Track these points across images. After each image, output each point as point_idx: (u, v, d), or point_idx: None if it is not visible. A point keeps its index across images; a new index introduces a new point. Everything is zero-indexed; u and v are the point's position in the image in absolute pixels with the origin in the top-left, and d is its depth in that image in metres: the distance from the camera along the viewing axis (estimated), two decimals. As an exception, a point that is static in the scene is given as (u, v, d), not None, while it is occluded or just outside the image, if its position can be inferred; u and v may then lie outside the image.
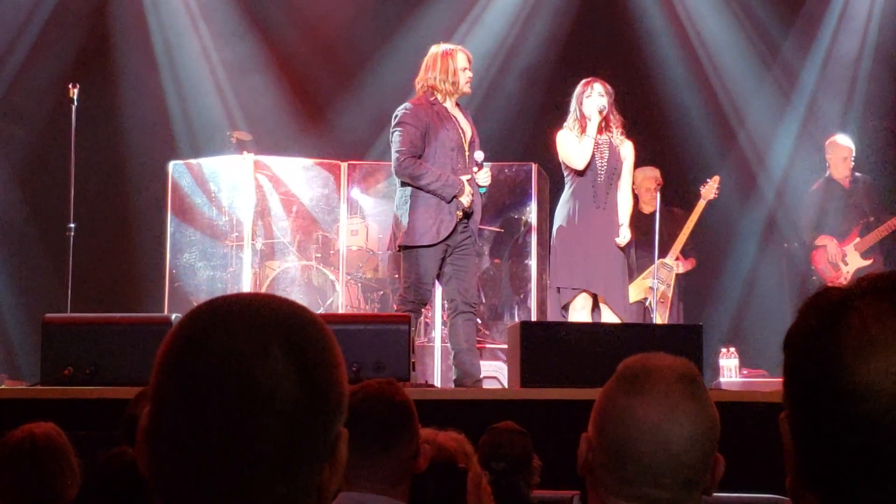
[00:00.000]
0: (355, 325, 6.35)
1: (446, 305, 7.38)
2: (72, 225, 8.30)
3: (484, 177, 7.18)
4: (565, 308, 7.50)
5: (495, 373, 8.56)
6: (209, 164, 9.75)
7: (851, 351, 1.18)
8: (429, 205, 7.01)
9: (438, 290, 8.08)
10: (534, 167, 9.47)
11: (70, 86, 8.46)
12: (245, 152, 9.56)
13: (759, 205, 10.89)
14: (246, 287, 9.21)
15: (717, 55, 10.96)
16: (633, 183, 8.57)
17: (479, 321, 9.37)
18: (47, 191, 10.03)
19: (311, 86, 11.07)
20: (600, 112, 7.48)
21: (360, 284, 9.70)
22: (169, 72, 10.89)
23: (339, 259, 9.60)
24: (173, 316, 6.51)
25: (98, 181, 10.11)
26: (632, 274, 8.76)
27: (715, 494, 1.90)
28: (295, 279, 9.66)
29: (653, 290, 8.85)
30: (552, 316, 7.67)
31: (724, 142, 10.93)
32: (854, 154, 9.42)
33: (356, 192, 9.89)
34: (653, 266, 8.84)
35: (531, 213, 9.55)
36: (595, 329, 6.81)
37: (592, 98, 7.52)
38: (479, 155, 7.18)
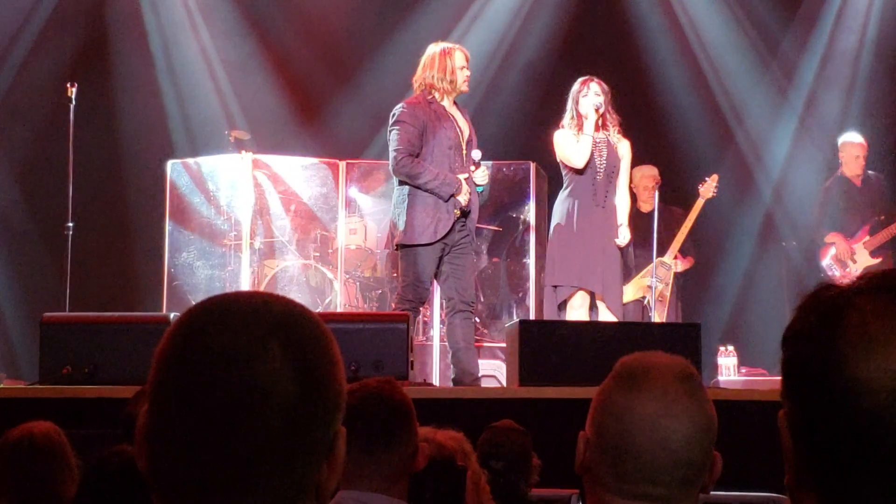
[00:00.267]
0: (354, 323, 6.35)
1: (444, 304, 7.38)
2: (70, 224, 8.30)
3: (481, 175, 7.18)
4: (562, 306, 7.49)
5: (494, 371, 8.56)
6: (207, 163, 9.75)
7: (850, 348, 1.18)
8: (426, 204, 7.01)
9: (437, 289, 8.08)
10: (532, 166, 9.47)
11: (68, 85, 8.46)
12: (243, 151, 9.56)
13: (757, 203, 10.89)
14: (244, 286, 9.21)
15: (715, 53, 10.96)
16: (632, 182, 8.57)
17: (477, 320, 9.38)
18: (45, 190, 10.03)
19: (310, 84, 11.07)
20: (597, 110, 7.48)
21: (358, 283, 9.70)
22: (167, 71, 10.89)
23: (337, 258, 9.60)
24: (171, 315, 6.51)
25: (96, 180, 10.10)
26: (630, 273, 8.76)
27: (714, 493, 1.91)
28: (293, 278, 9.66)
29: (651, 288, 8.85)
30: (547, 313, 7.67)
31: (722, 140, 10.94)
32: (866, 152, 9.41)
33: (354, 191, 9.89)
34: (651, 265, 8.85)
35: (529, 212, 9.55)
36: (593, 328, 6.81)
37: (589, 97, 7.52)
38: (476, 154, 7.18)
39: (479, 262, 9.52)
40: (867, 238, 9.28)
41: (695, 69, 10.95)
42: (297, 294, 9.16)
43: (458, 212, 7.04)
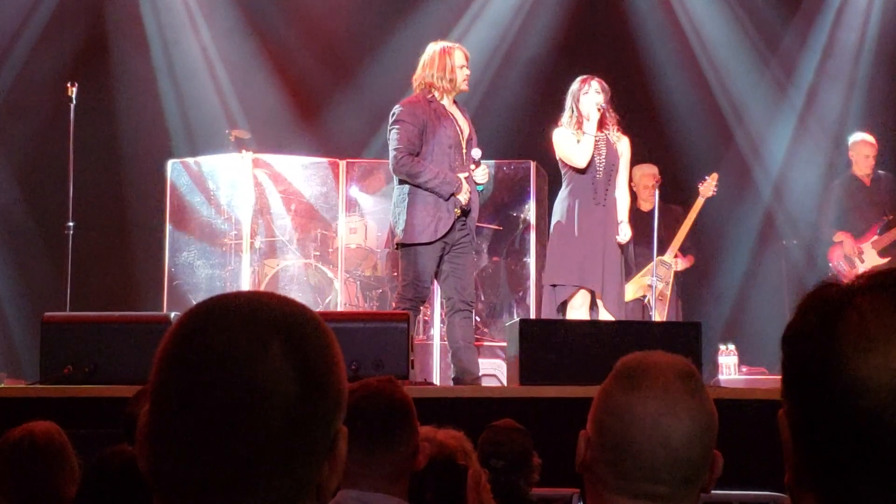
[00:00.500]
0: (354, 323, 6.35)
1: (443, 303, 7.38)
2: (71, 223, 8.31)
3: (481, 174, 7.17)
4: (563, 306, 7.48)
5: (494, 370, 8.56)
6: (208, 163, 9.75)
7: (850, 347, 1.18)
8: (427, 203, 7.01)
9: (437, 288, 8.08)
10: (532, 165, 9.47)
11: (68, 84, 8.46)
12: (244, 150, 9.56)
13: (757, 202, 10.89)
14: (245, 285, 9.21)
15: (715, 52, 10.96)
16: (632, 180, 8.57)
17: (478, 319, 9.38)
18: (46, 189, 10.03)
19: (310, 83, 11.07)
20: (598, 109, 7.48)
21: (358, 282, 9.70)
22: (167, 70, 10.89)
23: (337, 257, 9.60)
24: (172, 314, 6.51)
25: (97, 180, 10.11)
26: (630, 271, 8.76)
27: (714, 491, 1.91)
28: (294, 277, 9.66)
29: (652, 287, 8.85)
30: (546, 312, 7.67)
31: (722, 139, 10.94)
32: (877, 151, 9.41)
33: (355, 190, 9.89)
34: (651, 264, 8.85)
35: (530, 211, 9.55)
36: (594, 327, 6.81)
37: (590, 95, 7.52)
38: (476, 152, 7.18)
39: (479, 261, 9.52)
40: (876, 237, 9.27)
41: (695, 68, 10.95)
42: (297, 293, 9.16)
43: (459, 211, 7.04)
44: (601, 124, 7.53)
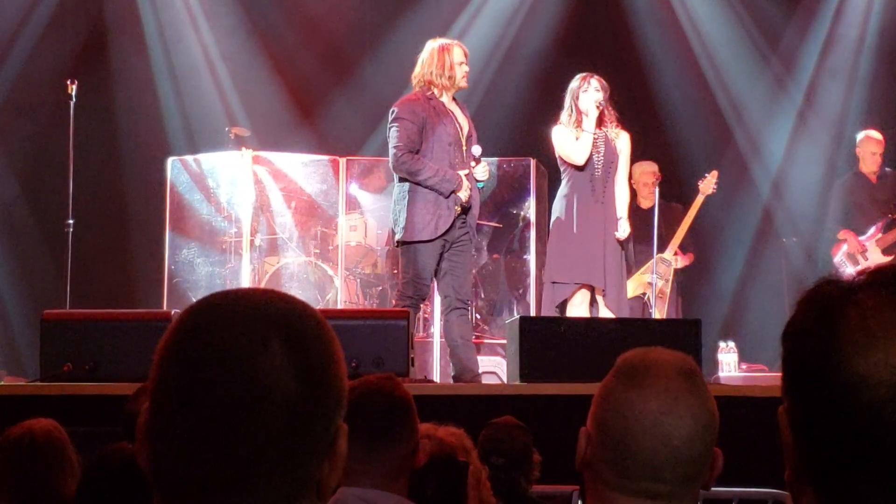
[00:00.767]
0: (354, 320, 6.36)
1: (441, 301, 7.38)
2: (70, 221, 8.30)
3: (481, 171, 7.17)
4: (562, 304, 7.47)
5: (494, 368, 8.57)
6: (208, 160, 9.75)
7: (850, 343, 1.18)
8: (427, 200, 7.01)
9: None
10: (532, 162, 9.47)
11: (68, 82, 8.46)
12: (244, 148, 9.56)
13: (757, 199, 10.89)
14: (245, 283, 9.21)
15: (715, 49, 10.96)
16: (632, 178, 8.57)
17: (478, 316, 9.38)
18: (46, 187, 10.03)
19: (310, 81, 11.06)
20: (597, 106, 7.47)
21: (358, 280, 9.70)
22: (167, 68, 10.89)
23: (337, 255, 9.60)
24: (173, 311, 6.51)
25: (97, 177, 10.11)
26: (630, 269, 8.76)
27: (714, 488, 1.91)
28: (294, 275, 9.66)
29: (651, 285, 8.85)
30: (546, 310, 7.66)
31: (722, 136, 10.93)
32: (884, 149, 9.39)
33: (355, 188, 9.88)
34: (651, 261, 8.85)
35: (529, 209, 9.55)
36: (594, 324, 6.81)
37: (589, 93, 7.51)
38: (476, 150, 7.17)
39: (479, 259, 9.53)
40: (880, 235, 9.26)
41: (694, 65, 10.94)
42: (297, 291, 9.16)
43: (459, 208, 7.04)
44: (600, 122, 7.52)
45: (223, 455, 1.23)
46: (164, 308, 9.04)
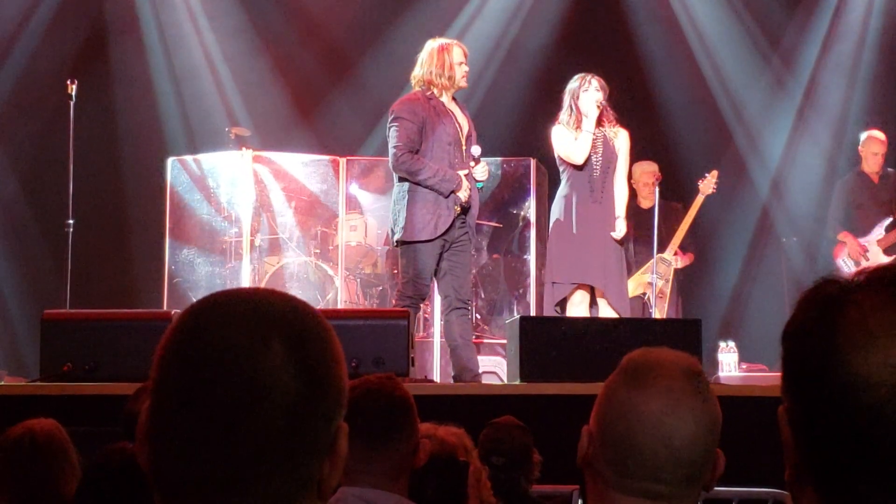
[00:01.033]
0: (354, 320, 6.36)
1: (441, 301, 7.38)
2: (71, 221, 8.30)
3: (481, 171, 7.17)
4: (561, 304, 7.47)
5: (494, 368, 8.57)
6: (208, 160, 9.75)
7: (849, 343, 1.18)
8: (427, 200, 7.01)
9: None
10: (532, 162, 9.47)
11: (68, 82, 8.46)
12: (244, 148, 9.56)
13: (757, 199, 10.89)
14: (245, 282, 9.21)
15: (714, 49, 10.95)
16: (632, 178, 8.57)
17: (478, 316, 9.38)
18: (46, 187, 10.03)
19: (310, 81, 11.07)
20: (598, 106, 7.47)
21: (359, 280, 9.70)
22: (167, 68, 10.89)
23: (338, 254, 9.60)
24: (173, 311, 6.51)
25: (97, 177, 10.11)
26: (630, 269, 8.76)
27: (715, 488, 1.90)
28: (294, 274, 9.66)
29: (651, 285, 8.85)
30: (546, 310, 7.67)
31: (722, 136, 10.93)
32: (886, 149, 9.39)
33: (355, 188, 9.88)
34: (651, 261, 8.85)
35: (530, 209, 9.55)
36: (594, 324, 6.81)
37: (590, 93, 7.50)
38: (476, 149, 7.17)
39: (479, 259, 9.53)
40: (882, 235, 9.25)
41: (694, 65, 10.94)
42: (297, 291, 9.16)
43: (459, 208, 7.04)
44: (599, 122, 7.52)
45: (223, 455, 1.23)
46: (165, 308, 9.04)
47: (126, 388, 4.31)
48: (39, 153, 10.35)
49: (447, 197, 7.01)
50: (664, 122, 10.80)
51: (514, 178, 9.78)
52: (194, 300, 1.33)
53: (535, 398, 5.90)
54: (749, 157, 10.91)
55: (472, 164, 7.14)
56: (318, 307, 7.16)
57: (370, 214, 9.87)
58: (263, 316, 1.27)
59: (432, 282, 7.27)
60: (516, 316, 7.28)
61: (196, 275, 9.53)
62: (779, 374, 1.26)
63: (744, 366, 9.21)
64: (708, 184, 9.17)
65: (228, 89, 10.93)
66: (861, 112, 10.43)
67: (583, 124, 7.48)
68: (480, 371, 7.30)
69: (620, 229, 7.52)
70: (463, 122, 7.22)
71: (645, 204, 9.28)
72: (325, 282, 9.62)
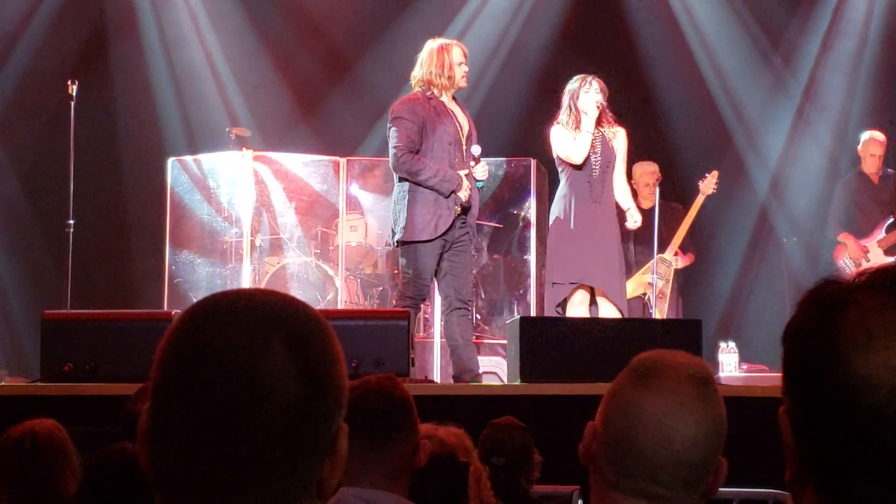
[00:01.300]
0: (355, 320, 6.36)
1: (441, 301, 7.38)
2: (71, 221, 8.30)
3: (481, 171, 7.17)
4: (562, 305, 7.47)
5: (495, 368, 8.57)
6: (208, 161, 9.75)
7: (850, 344, 1.18)
8: (427, 200, 7.01)
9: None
10: (533, 162, 9.46)
11: (69, 82, 8.46)
12: (244, 148, 9.56)
13: (757, 199, 10.89)
14: (245, 283, 9.21)
15: (715, 49, 10.95)
16: (632, 178, 8.57)
17: (478, 316, 9.38)
18: (47, 187, 10.04)
19: (310, 81, 11.07)
20: (598, 106, 7.47)
21: (359, 280, 9.70)
22: (167, 68, 10.89)
23: (338, 255, 9.60)
24: (174, 312, 6.51)
25: (97, 178, 10.11)
26: (630, 269, 8.76)
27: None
28: (294, 275, 9.66)
29: (651, 285, 8.85)
30: (548, 311, 7.67)
31: (722, 136, 10.93)
32: (885, 150, 9.38)
33: (355, 188, 9.88)
34: (651, 261, 8.85)
35: (530, 209, 9.55)
36: (594, 324, 6.81)
37: (591, 94, 7.50)
38: (476, 149, 7.17)
39: (479, 259, 9.53)
40: (882, 236, 9.25)
41: (694, 65, 10.94)
42: (297, 291, 9.16)
43: (459, 208, 7.04)
44: (598, 122, 7.52)
45: (223, 455, 1.23)
46: (165, 308, 9.05)
47: (126, 388, 4.31)
48: (40, 153, 10.35)
49: (447, 197, 7.00)
50: (664, 122, 10.79)
51: (514, 179, 9.78)
52: (195, 301, 1.33)
53: (536, 398, 5.90)
54: (749, 158, 10.91)
55: (473, 163, 7.14)
56: (319, 307, 7.16)
57: (370, 215, 9.87)
58: (263, 317, 1.27)
59: (432, 282, 7.27)
60: (516, 316, 7.28)
61: (196, 275, 9.52)
62: (779, 374, 1.26)
63: (744, 366, 9.21)
64: (708, 184, 9.17)
65: (229, 89, 10.94)
66: (862, 111, 10.42)
67: (582, 124, 7.47)
68: (480, 371, 7.30)
69: (636, 219, 7.52)
70: (463, 121, 7.22)
71: (645, 204, 9.28)
72: (326, 282, 9.62)
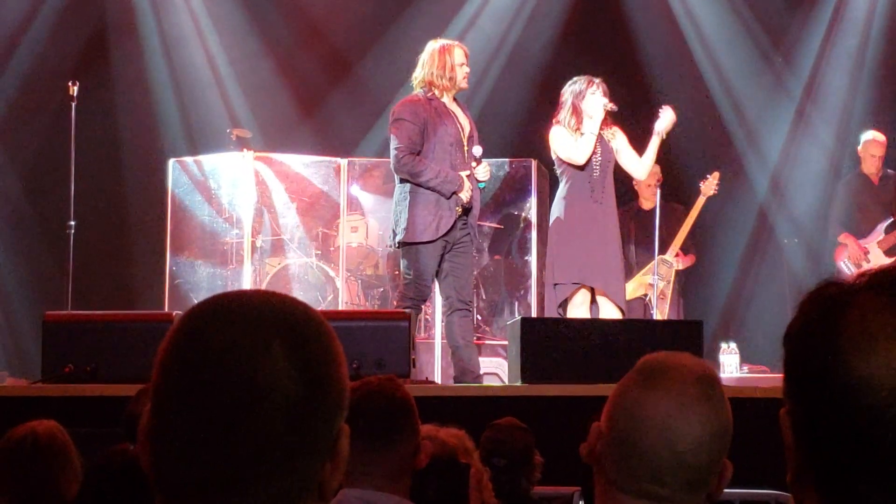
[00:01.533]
0: (356, 321, 6.36)
1: (442, 302, 7.38)
2: (72, 222, 8.30)
3: (482, 172, 7.17)
4: (563, 305, 7.47)
5: (495, 369, 8.56)
6: (209, 162, 9.75)
7: (851, 345, 1.18)
8: (428, 201, 7.01)
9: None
10: (533, 163, 9.46)
11: (70, 83, 8.46)
12: (245, 149, 9.56)
13: (758, 200, 10.88)
14: (246, 284, 9.21)
15: (716, 49, 10.94)
16: (633, 179, 8.56)
17: (479, 317, 9.38)
18: (48, 188, 10.04)
19: (311, 82, 11.07)
20: (605, 110, 7.45)
21: (360, 281, 9.70)
22: (168, 69, 10.90)
23: (339, 256, 9.60)
24: (174, 313, 6.51)
25: (98, 179, 10.11)
26: (631, 270, 8.76)
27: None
28: (295, 276, 9.66)
29: (652, 286, 8.85)
30: (548, 312, 7.66)
31: (723, 137, 10.92)
32: (885, 151, 9.38)
33: (356, 189, 9.88)
34: (652, 262, 8.84)
35: (531, 210, 9.54)
36: (595, 325, 6.81)
37: (598, 96, 7.48)
38: (477, 150, 7.17)
39: (480, 260, 9.52)
40: (882, 236, 9.24)
41: (695, 66, 10.93)
42: (298, 292, 9.16)
43: (460, 209, 7.04)
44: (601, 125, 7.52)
45: (224, 456, 1.23)
46: (166, 309, 9.05)
47: (127, 389, 4.31)
48: (41, 154, 10.36)
49: (449, 198, 7.00)
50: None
51: (515, 180, 9.78)
52: (195, 302, 1.34)
53: (537, 399, 5.90)
54: (750, 158, 10.90)
55: (474, 164, 7.14)
56: (319, 308, 7.17)
57: (371, 216, 9.87)
58: (264, 318, 1.27)
59: (433, 283, 7.27)
60: (517, 317, 7.28)
61: (197, 276, 9.52)
62: (780, 375, 1.26)
63: (745, 367, 9.21)
64: (709, 185, 9.16)
65: (229, 90, 10.94)
66: (864, 111, 10.42)
67: (585, 126, 7.46)
68: (481, 372, 7.30)
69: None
70: (464, 122, 7.22)
71: (646, 205, 9.29)
72: (327, 283, 9.62)
